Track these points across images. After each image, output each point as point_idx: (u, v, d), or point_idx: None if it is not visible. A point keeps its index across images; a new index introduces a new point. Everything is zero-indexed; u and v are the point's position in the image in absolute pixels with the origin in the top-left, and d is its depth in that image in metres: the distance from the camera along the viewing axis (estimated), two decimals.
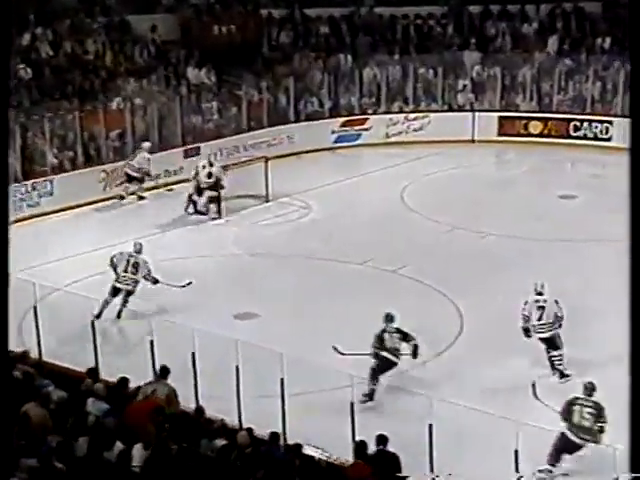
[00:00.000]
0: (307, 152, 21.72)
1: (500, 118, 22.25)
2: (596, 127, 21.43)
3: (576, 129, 21.60)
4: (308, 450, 8.66)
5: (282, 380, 9.25)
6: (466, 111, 22.50)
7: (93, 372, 9.42)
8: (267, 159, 18.81)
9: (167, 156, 19.88)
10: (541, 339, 11.23)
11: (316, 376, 10.28)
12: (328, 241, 15.87)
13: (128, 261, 13.02)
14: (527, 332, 11.25)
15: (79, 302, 11.39)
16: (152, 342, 10.12)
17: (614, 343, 11.78)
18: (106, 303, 12.56)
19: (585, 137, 21.48)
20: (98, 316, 11.95)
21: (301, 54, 23.54)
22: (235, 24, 23.31)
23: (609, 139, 21.24)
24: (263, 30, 23.92)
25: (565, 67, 22.47)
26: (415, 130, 22.54)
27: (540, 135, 21.91)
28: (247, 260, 15.50)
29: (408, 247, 15.75)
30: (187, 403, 9.39)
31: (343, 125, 22.54)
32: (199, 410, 8.91)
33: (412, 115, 22.69)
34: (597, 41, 23.05)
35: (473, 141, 22.15)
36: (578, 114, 21.78)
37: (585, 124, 21.56)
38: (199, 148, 20.20)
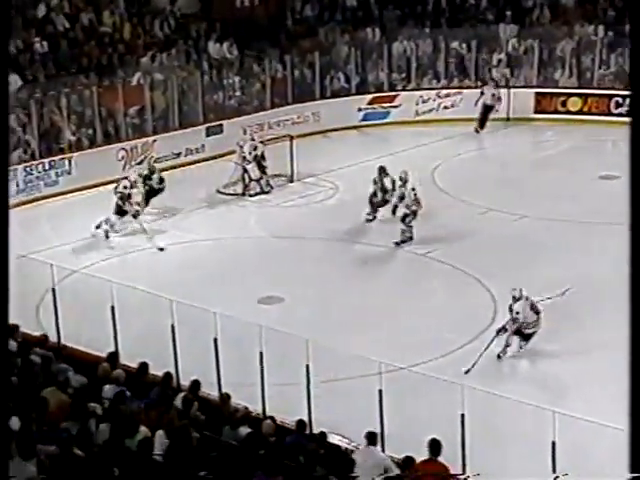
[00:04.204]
0: (333, 130, 21.70)
1: (537, 94, 22.07)
2: None
3: (618, 106, 21.35)
4: (334, 439, 8.74)
5: (307, 367, 9.30)
6: (501, 87, 22.26)
7: (113, 357, 9.50)
8: (292, 137, 18.81)
9: (188, 134, 19.95)
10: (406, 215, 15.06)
11: (343, 363, 10.33)
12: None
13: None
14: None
15: (98, 285, 11.48)
16: (173, 327, 10.20)
17: None
18: None
19: (628, 114, 21.25)
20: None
21: (327, 28, 23.45)
22: None
23: None
24: (287, 3, 23.84)
25: (607, 40, 22.25)
26: (446, 108, 22.40)
27: (579, 112, 21.71)
28: (271, 242, 15.53)
29: (439, 229, 15.71)
30: (210, 390, 9.47)
31: (371, 102, 22.45)
32: (223, 397, 8.98)
33: (444, 92, 22.54)
34: None
35: (508, 119, 21.98)
36: (620, 90, 21.51)
37: (627, 100, 21.34)
38: (221, 126, 20.26)
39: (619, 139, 20.41)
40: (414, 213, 15.13)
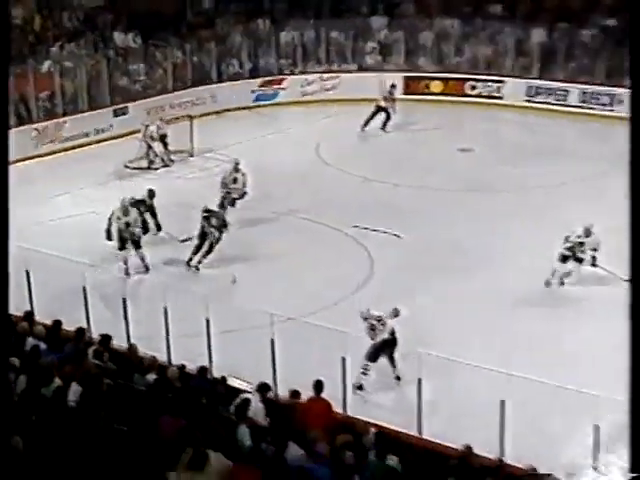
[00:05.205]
0: (229, 110, 21.48)
1: (405, 78, 22.29)
2: (490, 86, 21.70)
3: (472, 88, 21.84)
4: (233, 382, 8.73)
5: (207, 320, 9.25)
6: (374, 71, 22.49)
7: (29, 316, 9.23)
8: (191, 117, 18.63)
9: (97, 115, 19.47)
10: (235, 198, 14.44)
11: (239, 315, 10.31)
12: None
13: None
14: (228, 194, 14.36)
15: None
16: (85, 288, 9.96)
17: (512, 286, 12.14)
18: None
19: (480, 95, 21.70)
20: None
21: (223, 19, 23.15)
22: None
23: (501, 97, 21.55)
24: None
25: (462, 31, 22.66)
26: (328, 89, 22.48)
27: (441, 94, 22.06)
28: (174, 211, 15.26)
29: (324, 198, 15.77)
30: (120, 343, 9.31)
31: (262, 85, 22.34)
32: (131, 348, 8.84)
33: (326, 75, 22.62)
34: (489, 8, 23.17)
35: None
36: (474, 74, 21.99)
37: (480, 83, 21.80)
38: (127, 107, 19.84)
39: (474, 117, 20.87)
40: (243, 195, 14.62)
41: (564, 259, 11.63)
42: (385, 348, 9.70)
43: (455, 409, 8.81)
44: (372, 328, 9.62)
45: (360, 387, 9.54)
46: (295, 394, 8.20)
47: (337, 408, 8.42)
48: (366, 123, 19.78)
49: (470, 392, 8.92)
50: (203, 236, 12.97)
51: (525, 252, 12.95)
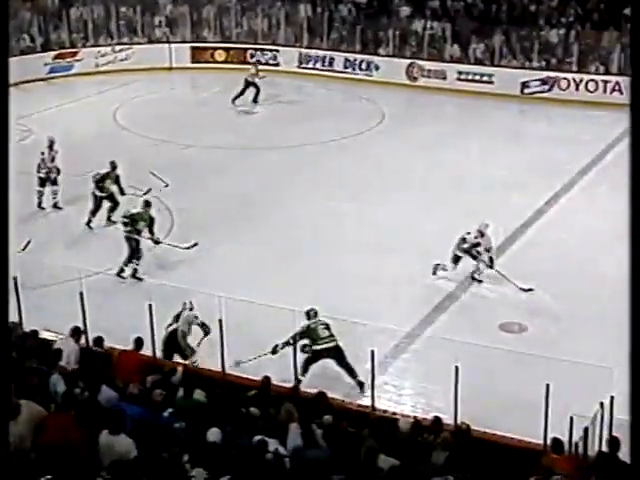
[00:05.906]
0: (23, 82, 19.81)
1: (192, 48, 21.74)
2: (267, 54, 21.63)
3: (252, 56, 21.64)
4: (44, 334, 8.27)
5: (16, 278, 8.56)
6: (163, 43, 21.71)
7: None
8: None
9: None
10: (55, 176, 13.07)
11: (50, 273, 9.70)
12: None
13: None
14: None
15: None
16: None
17: (300, 232, 12.30)
18: None
19: (259, 63, 21.55)
20: None
21: None
22: None
23: (277, 64, 21.54)
24: None
25: (240, 6, 22.25)
26: (121, 60, 21.39)
27: (224, 62, 21.69)
28: None
29: (121, 160, 14.98)
30: None
31: (56, 58, 20.83)
32: None
33: (118, 47, 21.48)
34: None
35: (171, 68, 21.53)
36: (252, 44, 21.79)
37: (258, 52, 21.65)
38: None
39: (260, 81, 20.54)
40: (59, 171, 13.24)
41: (456, 259, 10.59)
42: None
43: (254, 345, 8.83)
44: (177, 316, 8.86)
45: None
46: (98, 341, 7.88)
47: (147, 351, 8.18)
48: (237, 97, 18.55)
49: (268, 330, 8.94)
50: (131, 242, 10.88)
51: (309, 199, 13.24)
